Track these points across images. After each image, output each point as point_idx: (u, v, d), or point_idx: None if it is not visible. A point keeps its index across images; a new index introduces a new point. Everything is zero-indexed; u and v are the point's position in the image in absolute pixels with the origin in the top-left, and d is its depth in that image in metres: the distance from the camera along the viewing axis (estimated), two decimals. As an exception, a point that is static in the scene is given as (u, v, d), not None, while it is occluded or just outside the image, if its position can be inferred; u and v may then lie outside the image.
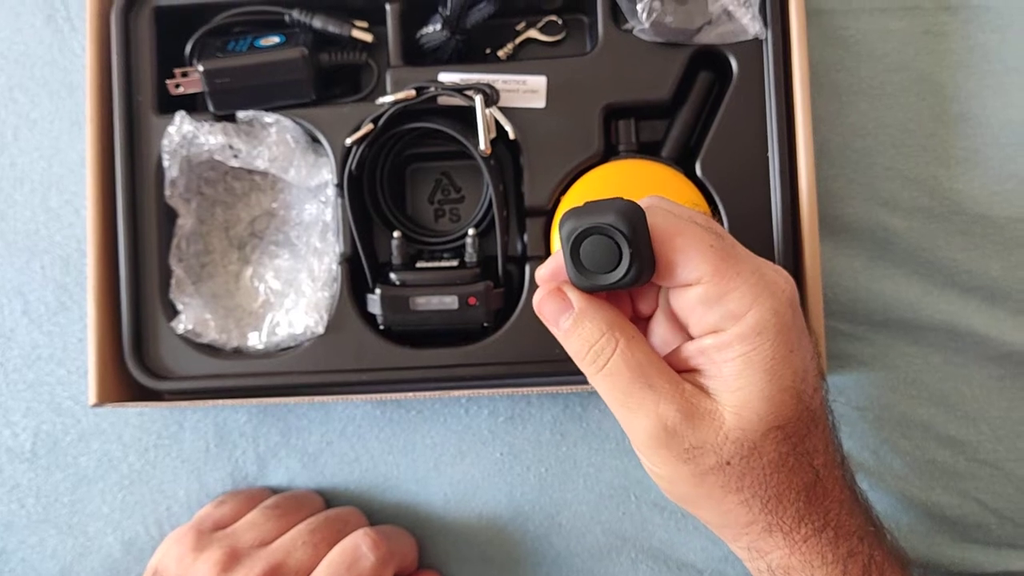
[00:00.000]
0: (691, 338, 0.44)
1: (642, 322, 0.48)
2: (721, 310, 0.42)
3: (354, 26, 0.60)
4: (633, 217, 0.40)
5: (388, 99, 0.56)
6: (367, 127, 0.56)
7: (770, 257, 0.56)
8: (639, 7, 0.56)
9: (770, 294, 0.42)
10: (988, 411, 0.61)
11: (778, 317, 0.42)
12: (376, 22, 0.60)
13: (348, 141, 0.57)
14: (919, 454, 0.61)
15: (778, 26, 0.56)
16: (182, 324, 0.58)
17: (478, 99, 0.55)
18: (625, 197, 0.42)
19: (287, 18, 0.60)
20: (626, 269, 0.40)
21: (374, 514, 0.63)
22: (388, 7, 0.59)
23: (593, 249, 0.41)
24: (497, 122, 0.56)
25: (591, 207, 0.41)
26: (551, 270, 0.45)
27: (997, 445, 0.61)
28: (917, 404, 0.61)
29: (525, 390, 0.60)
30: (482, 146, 0.55)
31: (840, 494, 0.44)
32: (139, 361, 0.59)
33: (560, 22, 0.62)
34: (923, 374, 0.61)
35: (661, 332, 0.47)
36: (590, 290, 0.42)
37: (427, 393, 0.59)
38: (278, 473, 0.64)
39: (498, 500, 0.63)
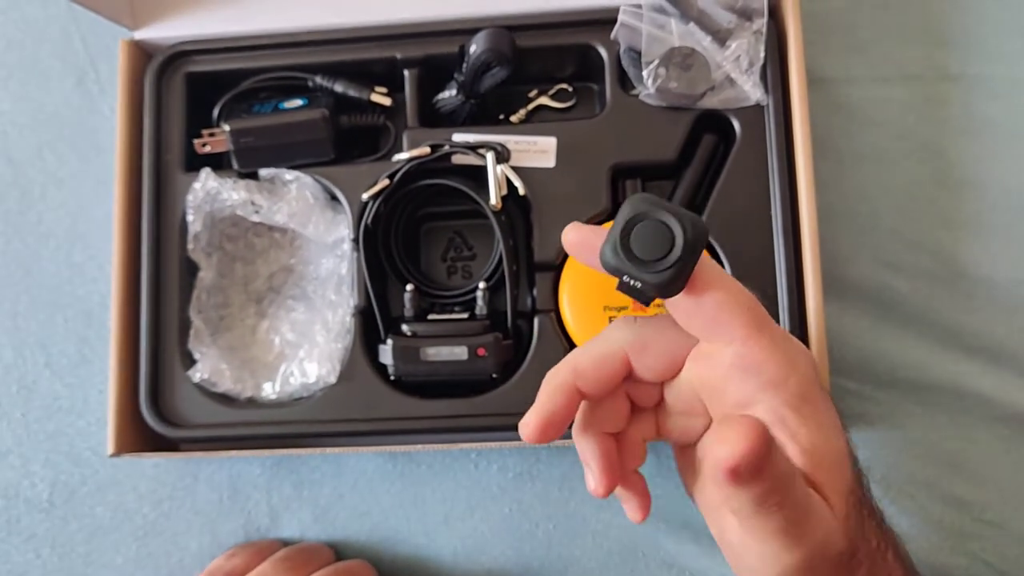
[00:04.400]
0: (706, 417, 0.44)
1: (642, 414, 0.47)
2: (759, 378, 0.41)
3: (374, 91, 0.63)
4: (701, 230, 0.39)
5: (404, 156, 0.59)
6: (383, 182, 0.59)
7: (775, 315, 0.57)
8: (645, 73, 0.58)
9: (804, 357, 0.42)
10: (994, 472, 0.61)
11: (816, 381, 0.42)
12: (395, 88, 0.63)
13: (364, 196, 0.59)
14: (925, 514, 0.61)
15: (779, 92, 0.58)
16: (199, 373, 0.60)
17: (489, 156, 0.57)
18: None
19: (310, 83, 0.63)
20: (667, 267, 0.39)
21: (384, 568, 0.63)
22: (406, 73, 0.62)
23: (647, 235, 0.39)
24: (508, 179, 0.58)
25: (665, 202, 0.40)
26: (582, 237, 0.43)
27: (1004, 506, 0.61)
28: (923, 464, 0.61)
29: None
30: (493, 201, 0.57)
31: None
32: (155, 409, 0.60)
33: (570, 90, 0.65)
34: (929, 434, 0.62)
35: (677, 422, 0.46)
36: (616, 272, 0.40)
37: (436, 445, 0.59)
38: (291, 526, 0.65)
39: (507, 556, 0.63)
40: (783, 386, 0.40)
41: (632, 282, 0.39)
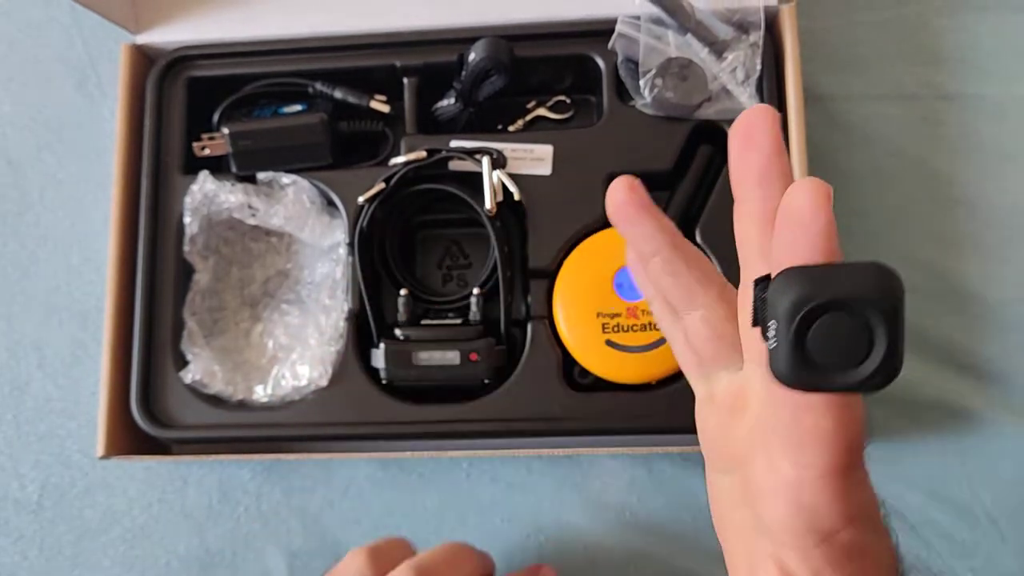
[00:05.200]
0: None
1: None
2: (808, 521, 0.32)
3: (373, 98, 0.63)
4: (898, 292, 0.27)
5: (400, 159, 0.59)
6: (379, 186, 0.59)
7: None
8: (642, 83, 0.58)
9: (866, 515, 0.33)
10: (985, 489, 0.61)
11: (870, 541, 0.34)
12: (394, 96, 0.63)
13: (360, 199, 0.59)
14: (916, 532, 0.61)
15: (775, 104, 0.59)
16: (190, 374, 0.60)
17: (485, 160, 0.57)
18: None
19: (310, 89, 0.64)
20: (878, 365, 0.27)
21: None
22: (406, 80, 0.62)
23: (830, 333, 0.27)
24: (504, 185, 0.58)
25: (829, 271, 0.28)
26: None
27: (994, 526, 0.61)
28: (914, 481, 0.61)
29: (524, 452, 0.60)
30: (488, 205, 0.58)
31: None
32: (145, 409, 0.60)
33: (568, 101, 0.65)
34: (919, 452, 0.61)
35: None
36: (810, 388, 0.28)
37: (427, 453, 0.59)
38: (280, 533, 0.64)
39: (498, 567, 0.63)
40: (830, 539, 0.32)
41: (770, 334, 0.28)
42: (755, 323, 0.30)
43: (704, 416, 0.39)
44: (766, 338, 0.28)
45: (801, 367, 0.27)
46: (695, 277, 0.40)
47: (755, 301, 0.30)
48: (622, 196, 0.38)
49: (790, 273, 0.28)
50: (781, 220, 0.29)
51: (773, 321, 0.28)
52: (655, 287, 0.40)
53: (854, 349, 0.27)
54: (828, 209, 0.28)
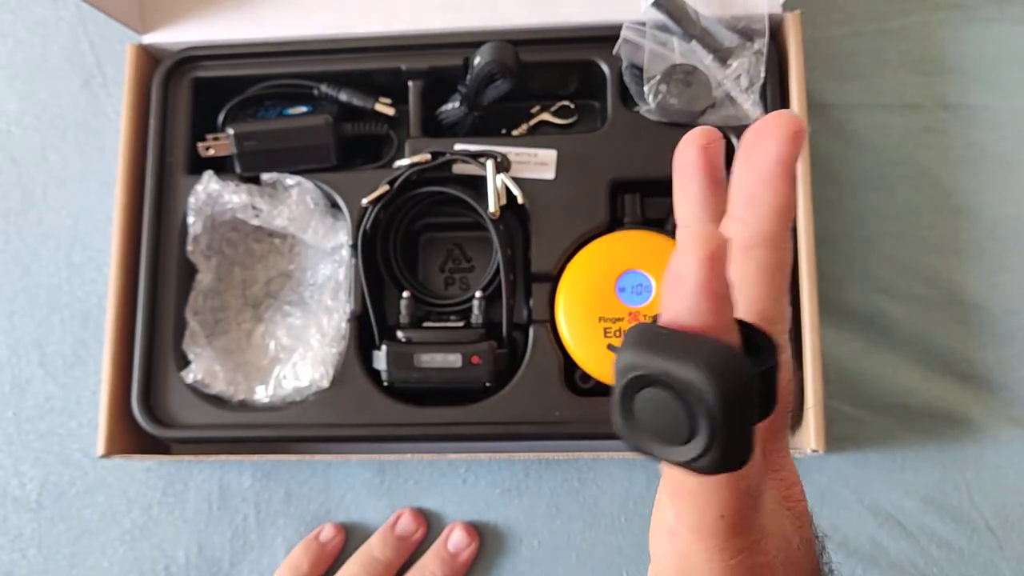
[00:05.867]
0: None
1: None
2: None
3: (378, 100, 0.63)
4: (729, 385, 0.23)
5: (405, 162, 0.59)
6: (383, 188, 0.59)
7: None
8: (646, 89, 0.59)
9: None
10: (983, 498, 0.61)
11: None
12: (399, 99, 0.64)
13: (364, 201, 0.59)
14: (914, 540, 0.61)
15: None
16: (192, 374, 0.60)
17: (489, 164, 0.58)
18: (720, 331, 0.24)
19: (316, 91, 0.64)
20: (700, 451, 0.24)
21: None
22: (411, 84, 0.63)
23: (655, 407, 0.25)
24: (507, 188, 0.58)
25: (672, 340, 0.24)
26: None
27: (992, 535, 0.61)
28: (913, 489, 0.61)
29: (523, 455, 0.60)
30: (491, 208, 0.58)
31: None
32: (146, 408, 0.60)
33: (572, 107, 0.65)
34: (919, 460, 0.61)
35: None
36: (637, 451, 0.26)
37: (426, 455, 0.59)
38: (277, 540, 0.64)
39: (490, 573, 0.63)
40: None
41: (676, 463, 0.25)
42: None
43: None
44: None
45: (627, 429, 0.25)
46: None
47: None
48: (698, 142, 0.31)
49: (634, 331, 0.25)
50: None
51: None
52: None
53: (678, 428, 0.24)
54: (712, 268, 0.23)
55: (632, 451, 0.26)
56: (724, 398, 0.23)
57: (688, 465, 0.25)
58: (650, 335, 0.24)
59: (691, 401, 0.23)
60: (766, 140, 0.28)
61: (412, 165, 0.59)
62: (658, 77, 0.58)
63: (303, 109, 0.63)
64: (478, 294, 0.60)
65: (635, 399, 0.25)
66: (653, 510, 0.32)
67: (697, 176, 0.30)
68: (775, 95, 0.59)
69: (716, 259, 0.23)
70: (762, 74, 0.59)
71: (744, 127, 0.58)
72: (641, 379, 0.24)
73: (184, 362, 0.61)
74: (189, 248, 0.62)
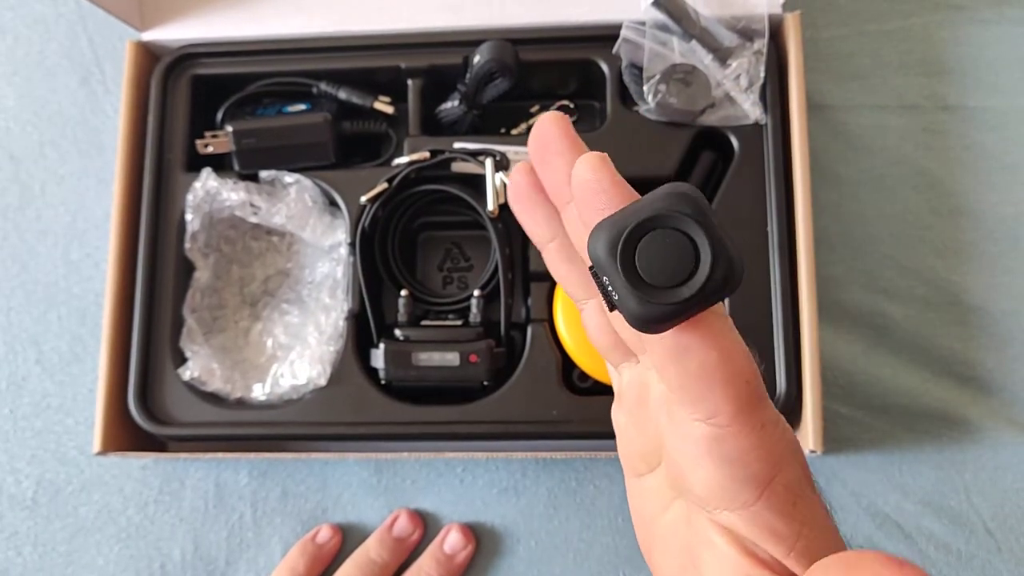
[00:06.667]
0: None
1: None
2: (740, 472, 0.30)
3: (377, 99, 0.63)
4: (735, 276, 0.27)
5: (404, 160, 0.59)
6: (382, 186, 0.59)
7: (769, 338, 0.57)
8: (646, 88, 0.59)
9: (795, 448, 0.31)
10: (982, 500, 0.61)
11: (809, 477, 0.32)
12: (398, 98, 0.64)
13: (363, 199, 0.59)
14: (912, 541, 0.61)
15: (777, 112, 0.59)
16: (189, 371, 0.60)
17: (488, 162, 0.58)
18: None
19: (315, 89, 0.64)
20: (667, 303, 0.27)
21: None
22: (410, 82, 0.63)
23: (661, 251, 0.27)
24: (507, 187, 0.58)
25: (628, 208, 0.27)
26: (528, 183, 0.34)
27: (990, 537, 0.60)
28: (912, 490, 0.61)
29: (521, 454, 0.60)
30: (490, 207, 0.58)
31: None
32: (143, 405, 0.60)
33: (572, 106, 0.65)
34: (918, 461, 0.61)
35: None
36: (599, 270, 0.28)
37: (424, 454, 0.59)
38: (273, 539, 0.64)
39: (487, 572, 0.63)
40: (768, 486, 0.30)
41: (611, 289, 0.28)
42: (608, 305, 0.28)
43: (617, 419, 0.37)
44: (612, 304, 0.28)
45: (644, 298, 0.27)
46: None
47: (595, 284, 0.29)
48: (520, 178, 0.35)
49: (596, 227, 0.28)
50: (575, 199, 0.29)
51: (605, 277, 0.28)
52: (557, 278, 0.37)
53: (683, 260, 0.27)
54: (604, 168, 0.29)
55: (661, 321, 0.27)
56: (701, 203, 0.27)
57: (709, 287, 0.27)
58: (610, 217, 0.27)
59: (680, 225, 0.27)
60: None
61: (411, 163, 0.59)
62: (658, 77, 0.58)
63: (302, 107, 0.63)
64: (476, 293, 0.60)
65: (635, 263, 0.27)
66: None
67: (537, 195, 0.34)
68: (774, 95, 0.59)
69: (607, 161, 0.29)
70: (762, 74, 0.59)
71: (743, 127, 0.59)
72: (631, 237, 0.27)
73: (181, 359, 0.60)
74: (187, 245, 0.61)
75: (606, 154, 0.29)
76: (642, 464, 0.36)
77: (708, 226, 0.26)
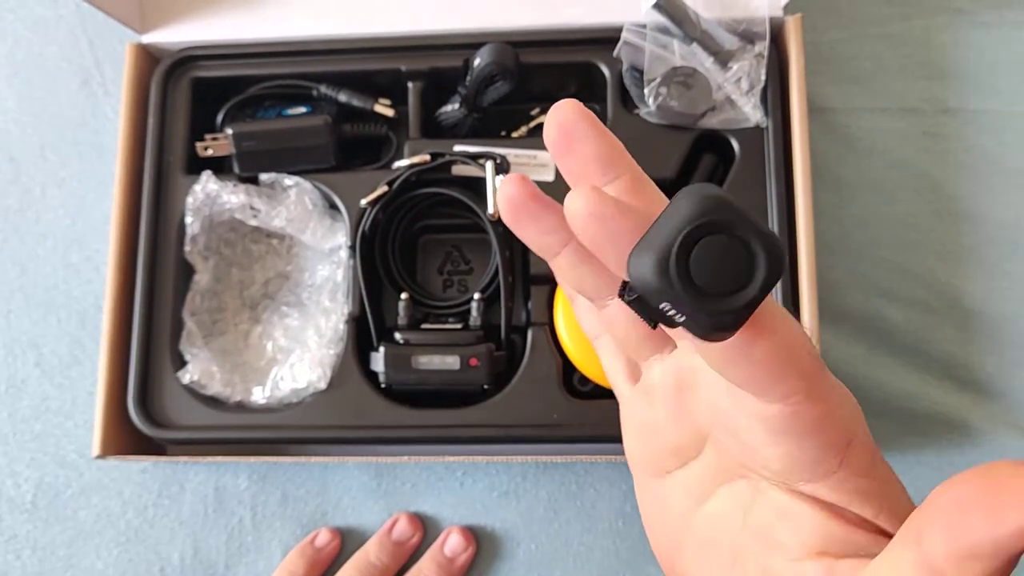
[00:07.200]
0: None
1: None
2: (816, 442, 0.29)
3: (377, 102, 0.63)
4: (781, 260, 0.26)
5: (404, 163, 0.59)
6: (382, 189, 0.59)
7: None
8: (647, 91, 0.59)
9: (854, 404, 0.31)
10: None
11: (869, 439, 0.31)
12: (398, 101, 0.64)
13: (363, 202, 0.59)
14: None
15: (778, 115, 0.59)
16: (188, 374, 0.59)
17: (489, 165, 0.58)
18: None
19: (315, 92, 0.64)
20: (734, 308, 0.26)
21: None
22: (410, 85, 0.63)
23: (717, 257, 0.26)
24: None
25: (746, 211, 0.26)
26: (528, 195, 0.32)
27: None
28: (912, 493, 0.61)
29: (521, 458, 0.60)
30: (491, 210, 0.58)
31: None
32: (142, 409, 0.60)
33: (573, 108, 0.65)
34: (918, 464, 0.61)
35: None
36: (654, 297, 0.26)
37: (424, 457, 0.59)
38: (272, 543, 0.64)
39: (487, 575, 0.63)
40: (847, 450, 0.30)
41: (669, 311, 0.26)
42: (652, 324, 0.27)
43: (641, 418, 0.36)
44: (672, 323, 0.27)
45: (714, 310, 0.26)
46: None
47: (635, 310, 0.27)
48: (516, 190, 0.33)
49: (633, 253, 0.26)
50: (585, 239, 0.28)
51: (664, 304, 0.26)
52: (571, 284, 0.35)
53: (738, 262, 0.26)
54: (601, 202, 0.27)
55: (731, 326, 0.26)
56: (777, 256, 0.25)
57: (714, 320, 0.26)
58: (644, 240, 0.26)
59: (756, 254, 0.25)
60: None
61: (411, 166, 0.59)
62: (658, 79, 0.58)
63: (302, 109, 0.63)
64: (476, 296, 0.60)
65: (691, 273, 0.26)
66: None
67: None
68: (775, 98, 0.59)
69: (599, 192, 0.27)
70: (762, 77, 0.59)
71: (744, 130, 0.59)
72: (712, 226, 0.25)
73: (181, 363, 0.60)
74: (187, 248, 0.61)
75: (597, 186, 0.28)
76: (672, 460, 0.35)
77: (752, 223, 0.26)
